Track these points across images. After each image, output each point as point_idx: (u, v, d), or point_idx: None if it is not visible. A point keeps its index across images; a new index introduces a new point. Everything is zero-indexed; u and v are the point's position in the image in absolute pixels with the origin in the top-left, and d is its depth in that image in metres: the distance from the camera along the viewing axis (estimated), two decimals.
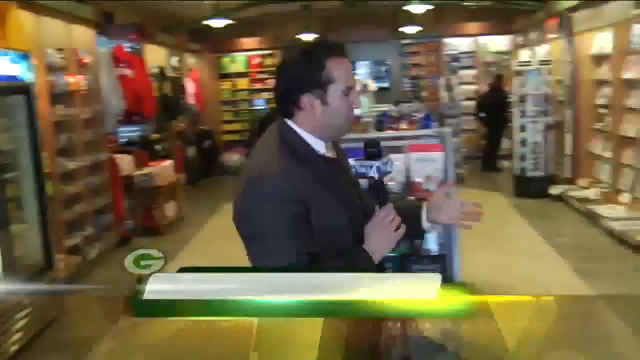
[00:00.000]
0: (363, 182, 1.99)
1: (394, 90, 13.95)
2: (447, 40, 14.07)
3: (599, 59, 8.65)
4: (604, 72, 8.42)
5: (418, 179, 2.70)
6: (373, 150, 1.92)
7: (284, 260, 1.72)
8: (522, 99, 9.22)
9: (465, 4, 12.45)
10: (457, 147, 10.81)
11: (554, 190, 8.87)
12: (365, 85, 8.26)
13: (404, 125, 2.87)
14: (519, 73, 9.44)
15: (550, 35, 10.08)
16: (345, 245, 1.87)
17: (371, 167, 1.89)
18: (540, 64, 9.44)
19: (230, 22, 10.56)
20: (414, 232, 2.04)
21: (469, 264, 4.79)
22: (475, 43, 14.13)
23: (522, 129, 9.26)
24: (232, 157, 13.26)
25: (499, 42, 14.10)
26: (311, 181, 1.81)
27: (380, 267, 1.95)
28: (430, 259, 2.75)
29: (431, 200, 2.04)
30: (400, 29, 12.95)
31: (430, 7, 10.61)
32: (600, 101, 8.57)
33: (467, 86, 13.60)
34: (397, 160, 2.72)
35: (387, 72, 14.41)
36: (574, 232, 7.29)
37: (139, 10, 9.87)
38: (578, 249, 6.60)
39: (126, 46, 8.91)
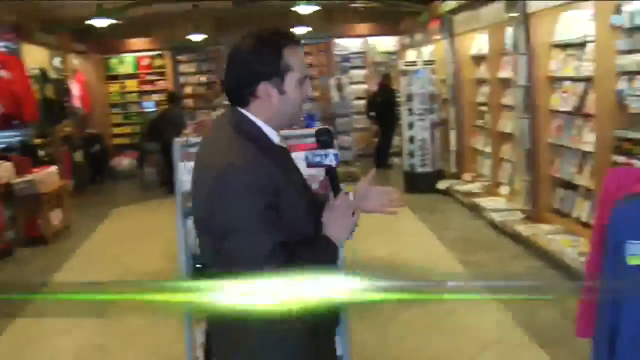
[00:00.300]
0: (314, 172, 1.97)
1: None
2: (337, 40, 14.32)
3: (478, 59, 9.11)
4: (482, 71, 8.88)
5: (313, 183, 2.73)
6: (326, 139, 1.90)
7: (262, 252, 1.69)
8: (409, 98, 9.54)
9: (353, 5, 12.72)
10: (350, 145, 11.04)
11: (441, 185, 9.25)
12: None
13: None
14: (405, 73, 9.76)
15: (433, 37, 10.51)
16: (307, 234, 1.85)
17: (327, 155, 1.87)
18: (425, 64, 9.81)
19: (114, 21, 10.22)
20: None
21: (359, 257, 4.89)
22: (365, 43, 14.48)
23: (410, 126, 9.58)
24: (123, 162, 12.84)
25: (387, 43, 14.52)
26: (277, 170, 1.78)
27: None
28: None
29: (357, 190, 2.05)
30: (291, 30, 13.04)
31: (317, 8, 10.75)
32: (481, 99, 9.04)
33: (358, 86, 13.91)
34: None
35: None
36: (460, 225, 7.63)
37: (15, 9, 9.33)
38: (463, 240, 6.92)
39: (1, 46, 8.41)
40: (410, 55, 12.50)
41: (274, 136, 1.88)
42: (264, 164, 1.75)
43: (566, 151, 6.25)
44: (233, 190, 1.71)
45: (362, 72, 14.39)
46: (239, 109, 1.86)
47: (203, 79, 14.89)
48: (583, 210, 5.88)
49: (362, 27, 14.33)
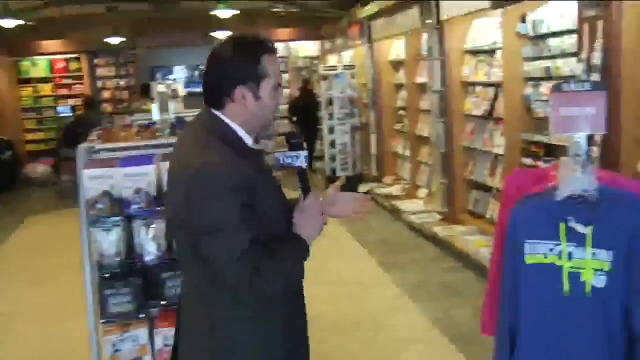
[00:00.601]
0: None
1: None
2: None
3: (397, 65, 9.29)
4: (401, 76, 9.06)
5: None
6: (298, 141, 1.97)
7: (238, 250, 1.71)
8: (330, 102, 9.62)
9: (274, 10, 12.72)
10: (272, 150, 11.00)
11: (363, 188, 9.35)
12: (174, 91, 8.07)
13: None
14: (325, 77, 9.83)
15: (353, 42, 10.64)
16: (281, 234, 1.89)
17: (297, 157, 1.94)
18: (345, 69, 9.91)
19: (23, 22, 9.80)
20: None
21: None
22: (287, 48, 14.50)
23: (331, 130, 9.66)
24: (38, 169, 12.31)
25: (308, 48, 14.60)
26: (250, 170, 1.81)
27: None
28: None
29: (326, 195, 2.09)
30: (212, 34, 12.90)
31: (236, 12, 10.69)
32: (399, 104, 9.22)
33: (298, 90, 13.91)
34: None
35: (200, 76, 14.25)
36: (380, 228, 7.73)
37: None
38: (383, 243, 7.02)
39: None
40: (331, 60, 12.61)
41: (248, 139, 1.92)
42: (239, 165, 1.78)
43: (479, 154, 6.45)
44: (209, 188, 1.74)
45: (284, 76, 14.40)
46: (214, 111, 1.90)
47: (122, 82, 14.52)
48: (495, 211, 6.09)
49: (284, 32, 14.35)
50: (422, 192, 8.14)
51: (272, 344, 1.92)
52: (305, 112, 11.69)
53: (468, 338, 4.24)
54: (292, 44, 14.54)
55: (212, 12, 10.63)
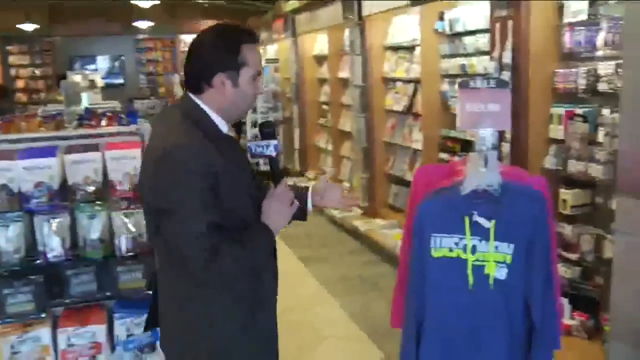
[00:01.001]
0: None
1: (130, 86, 13.50)
2: (183, 36, 14.00)
3: (320, 59, 9.31)
4: (324, 71, 9.09)
5: (116, 178, 2.60)
6: (270, 131, 1.99)
7: (196, 232, 1.76)
8: None
9: (198, 1, 12.50)
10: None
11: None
12: (92, 82, 7.80)
13: (104, 122, 2.75)
14: None
15: (278, 35, 10.59)
16: (248, 220, 1.92)
17: (268, 146, 1.96)
18: (269, 62, 9.85)
19: None
20: (298, 214, 2.08)
21: None
22: None
23: (254, 124, 9.58)
24: None
25: None
26: (218, 156, 1.84)
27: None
28: (134, 259, 2.67)
29: (316, 187, 2.18)
30: (134, 24, 12.56)
31: (157, 2, 10.43)
32: (323, 98, 9.25)
33: None
34: (93, 160, 2.60)
35: (122, 67, 13.86)
36: (302, 222, 7.71)
37: None
38: (305, 236, 7.01)
39: None
40: None
41: (223, 126, 1.97)
42: (208, 150, 1.82)
43: (399, 149, 6.55)
44: (173, 171, 1.79)
45: None
46: (192, 96, 1.94)
47: (37, 72, 13.92)
48: None
49: (207, 24, 13.98)
50: (344, 186, 8.20)
51: (235, 324, 1.96)
52: None
53: (385, 331, 4.28)
54: None
55: (133, 2, 10.32)
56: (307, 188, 2.22)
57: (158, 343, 2.68)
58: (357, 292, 5.16)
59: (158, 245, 1.97)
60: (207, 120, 1.93)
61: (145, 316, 2.58)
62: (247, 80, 1.92)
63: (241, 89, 1.92)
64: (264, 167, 6.84)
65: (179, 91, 10.60)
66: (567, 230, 3.78)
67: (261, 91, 2.01)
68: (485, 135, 2.18)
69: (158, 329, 2.21)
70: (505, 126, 2.19)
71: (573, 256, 3.78)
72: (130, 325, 2.70)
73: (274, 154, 1.99)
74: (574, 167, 3.67)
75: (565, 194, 3.79)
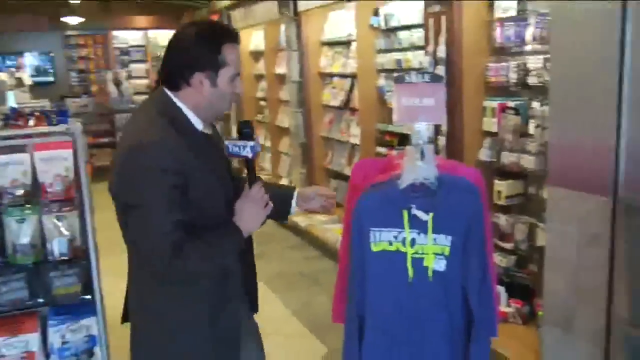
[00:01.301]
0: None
1: (61, 84, 13.04)
2: (115, 32, 13.63)
3: (256, 55, 9.24)
4: (260, 67, 9.02)
5: (47, 180, 2.50)
6: (247, 131, 1.95)
7: (163, 229, 1.75)
8: None
9: None
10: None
11: None
12: (19, 79, 7.50)
13: (32, 122, 2.64)
14: None
15: None
16: (220, 220, 1.91)
17: (245, 147, 1.92)
18: None
19: None
20: (280, 214, 2.14)
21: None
22: (145, 37, 13.97)
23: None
24: None
25: (168, 37, 14.14)
26: (190, 154, 1.83)
27: (248, 242, 2.09)
28: (69, 265, 2.59)
29: (303, 193, 2.23)
30: (63, 19, 12.14)
31: None
32: (260, 94, 9.19)
33: (139, 80, 13.39)
34: (20, 162, 2.49)
35: (51, 65, 13.37)
36: None
37: None
38: None
39: None
40: None
41: (199, 124, 1.94)
42: (177, 147, 1.80)
43: (337, 144, 6.58)
44: (140, 167, 1.78)
45: (143, 66, 13.87)
46: (168, 93, 1.92)
47: None
48: None
49: (142, 20, 13.79)
50: (283, 182, 8.18)
51: (198, 322, 1.95)
52: None
53: (327, 327, 4.29)
54: (151, 33, 14.01)
55: None
56: (293, 189, 2.26)
57: (96, 349, 2.62)
58: (298, 288, 5.16)
59: (126, 240, 1.94)
60: (182, 118, 1.90)
61: (82, 321, 2.54)
62: (226, 81, 1.91)
63: (219, 89, 1.91)
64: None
65: (113, 89, 10.33)
66: (502, 220, 3.88)
67: (240, 91, 1.98)
68: (421, 129, 2.21)
69: None
70: (440, 120, 2.22)
71: (508, 245, 3.89)
72: (65, 332, 2.61)
73: (250, 155, 1.95)
74: (507, 158, 3.77)
75: (499, 185, 3.89)
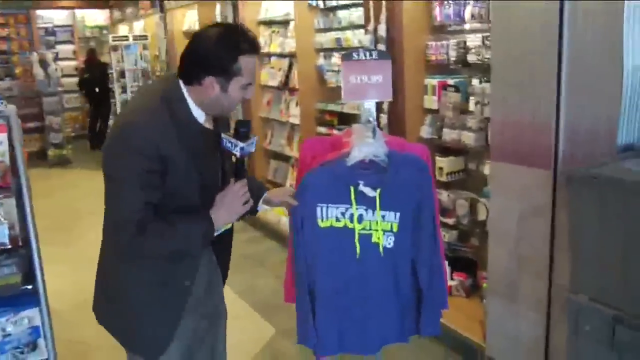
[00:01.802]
0: None
1: None
2: (40, 12, 13.03)
3: (191, 35, 9.01)
4: None
5: None
6: (244, 131, 1.99)
7: (130, 206, 1.85)
8: (122, 75, 9.13)
9: None
10: (59, 127, 10.20)
11: None
12: None
13: None
14: (116, 48, 9.29)
15: (145, 11, 10.15)
16: (195, 208, 1.97)
17: (236, 146, 1.96)
18: (137, 39, 9.44)
19: None
20: (250, 211, 2.16)
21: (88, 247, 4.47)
22: (72, 16, 13.43)
23: (125, 104, 9.18)
24: None
25: (97, 17, 13.67)
26: (175, 143, 1.89)
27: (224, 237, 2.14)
28: (7, 254, 2.48)
29: (273, 193, 2.30)
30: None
31: None
32: None
33: (67, 62, 12.89)
34: None
35: None
36: None
37: None
38: None
39: None
40: (122, 30, 11.95)
41: (200, 116, 2.00)
42: (164, 134, 1.87)
43: (276, 124, 6.54)
44: (121, 145, 1.86)
45: (71, 47, 13.35)
46: (180, 82, 1.96)
47: None
48: (294, 179, 6.22)
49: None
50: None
51: (152, 298, 2.06)
52: (93, 84, 10.92)
53: (274, 307, 4.31)
54: (79, 12, 13.48)
55: None
56: (265, 190, 2.34)
57: (40, 340, 2.53)
58: (242, 270, 5.12)
59: None
60: (182, 107, 1.96)
61: (23, 313, 2.45)
62: (237, 89, 1.95)
63: (229, 94, 1.96)
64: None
65: (39, 71, 9.87)
66: (444, 196, 3.96)
67: (250, 97, 2.04)
68: (370, 106, 2.22)
69: None
70: (388, 97, 2.23)
71: (450, 221, 3.97)
72: (5, 325, 2.50)
73: (238, 154, 2.00)
74: (448, 135, 3.84)
75: (441, 161, 3.96)
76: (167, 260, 2.03)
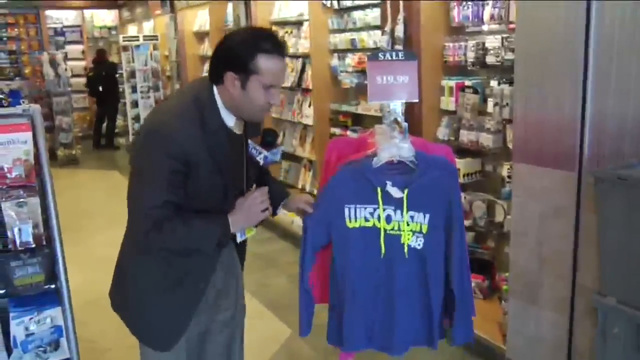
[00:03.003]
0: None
1: None
2: (49, 12, 13.08)
3: (201, 35, 9.05)
4: (206, 48, 8.85)
5: (6, 165, 2.37)
6: (269, 140, 2.06)
7: (151, 202, 1.91)
8: (132, 75, 9.13)
9: None
10: (69, 127, 10.23)
11: None
12: None
13: None
14: (126, 48, 9.30)
15: (155, 11, 10.17)
16: (217, 211, 2.01)
17: (260, 153, 2.04)
18: (147, 39, 9.45)
19: None
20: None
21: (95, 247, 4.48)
22: (81, 16, 13.47)
23: (135, 105, 9.19)
24: None
25: (106, 17, 13.71)
26: (203, 149, 1.95)
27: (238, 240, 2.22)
28: (31, 253, 2.47)
29: (301, 200, 2.26)
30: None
31: None
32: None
33: (76, 62, 12.93)
34: None
35: None
36: None
37: None
38: None
39: None
40: (132, 30, 11.97)
41: (229, 120, 2.04)
42: (191, 138, 1.93)
43: (289, 125, 6.53)
44: (150, 145, 1.94)
45: (80, 47, 13.39)
46: (211, 84, 2.01)
47: None
48: (307, 180, 6.23)
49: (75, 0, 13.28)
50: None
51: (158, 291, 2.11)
52: (97, 84, 10.92)
53: (287, 307, 4.30)
54: (87, 12, 13.51)
55: None
56: (287, 194, 2.37)
57: (62, 339, 2.52)
58: (254, 270, 5.11)
59: None
60: (214, 112, 2.01)
61: (46, 312, 2.44)
62: (256, 88, 1.96)
63: (248, 93, 1.96)
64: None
65: (49, 71, 9.89)
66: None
67: (275, 102, 2.03)
68: (397, 107, 2.21)
69: None
70: (414, 97, 2.21)
71: (466, 222, 3.95)
72: (28, 324, 2.49)
73: (261, 162, 2.06)
74: (466, 137, 3.83)
75: (457, 163, 3.93)
76: (183, 256, 2.08)
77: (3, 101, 2.72)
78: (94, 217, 6.79)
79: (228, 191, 2.07)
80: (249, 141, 2.07)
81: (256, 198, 2.03)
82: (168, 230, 1.92)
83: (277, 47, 1.97)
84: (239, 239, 2.23)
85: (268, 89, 1.98)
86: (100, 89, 10.93)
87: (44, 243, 2.47)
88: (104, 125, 11.44)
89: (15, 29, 12.81)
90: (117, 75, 10.75)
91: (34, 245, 2.43)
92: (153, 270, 2.11)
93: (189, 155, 1.92)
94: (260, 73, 1.94)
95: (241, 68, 1.94)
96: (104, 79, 10.91)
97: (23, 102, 2.74)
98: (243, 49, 1.94)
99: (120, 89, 10.57)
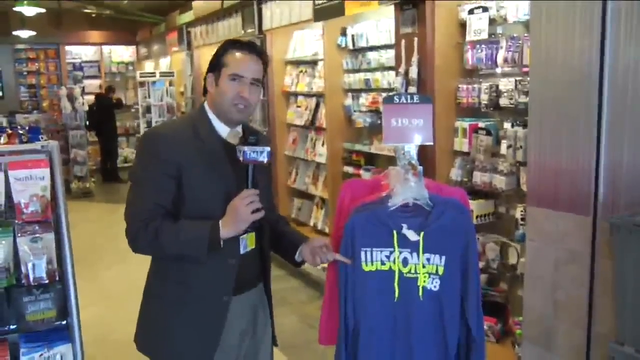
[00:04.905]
0: None
1: (10, 99, 12.67)
2: (68, 47, 13.35)
3: None
4: None
5: (23, 200, 2.39)
6: (252, 139, 2.06)
7: (141, 205, 2.03)
8: (148, 110, 9.24)
9: (85, 11, 11.98)
10: (84, 160, 10.32)
11: None
12: None
13: (2, 140, 2.51)
14: (142, 84, 9.43)
15: (172, 48, 10.34)
16: (212, 214, 2.02)
17: (241, 151, 2.02)
18: (163, 75, 9.59)
19: None
20: (290, 261, 2.37)
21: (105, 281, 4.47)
22: (100, 52, 13.72)
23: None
24: None
25: (123, 52, 13.95)
26: (195, 156, 2.04)
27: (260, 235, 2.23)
28: (44, 288, 2.47)
29: (313, 244, 2.22)
30: (14, 33, 11.80)
31: (42, 10, 9.87)
32: None
33: (93, 96, 13.12)
34: None
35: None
36: None
37: None
38: None
39: None
40: (148, 66, 12.15)
41: (223, 131, 2.14)
42: (182, 144, 2.04)
43: (302, 163, 6.56)
44: (143, 150, 2.10)
45: (98, 81, 13.60)
46: (205, 104, 2.17)
47: None
48: (319, 218, 6.22)
49: (96, 35, 13.56)
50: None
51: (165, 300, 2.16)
52: (99, 118, 11.05)
53: (298, 347, 4.26)
54: (105, 48, 13.77)
55: (16, 9, 9.71)
56: (304, 239, 2.31)
57: None
58: None
59: None
60: (206, 124, 2.13)
61: (56, 348, 2.43)
62: (225, 80, 2.07)
63: (220, 88, 2.08)
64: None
65: (66, 105, 10.04)
66: None
67: (245, 95, 2.07)
68: (411, 150, 2.22)
69: None
70: (429, 140, 2.22)
71: (479, 264, 3.92)
72: None
73: (240, 158, 2.04)
74: (479, 178, 3.83)
75: (471, 204, 3.93)
76: (178, 260, 2.08)
77: (22, 137, 2.77)
78: (107, 252, 6.80)
79: (228, 199, 2.04)
80: (236, 146, 2.07)
81: (244, 198, 1.99)
82: (157, 230, 1.98)
83: (245, 44, 2.14)
84: (242, 251, 2.17)
85: (234, 80, 2.07)
86: (99, 124, 11.04)
87: (57, 279, 2.48)
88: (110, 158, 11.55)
89: (36, 64, 13.07)
90: (117, 110, 10.92)
91: (47, 281, 2.45)
92: (169, 292, 2.15)
93: (179, 158, 2.02)
94: (227, 65, 2.08)
95: (215, 66, 2.11)
96: (98, 112, 11.01)
97: (42, 137, 2.78)
98: (218, 52, 2.13)
99: (130, 124, 10.67)
